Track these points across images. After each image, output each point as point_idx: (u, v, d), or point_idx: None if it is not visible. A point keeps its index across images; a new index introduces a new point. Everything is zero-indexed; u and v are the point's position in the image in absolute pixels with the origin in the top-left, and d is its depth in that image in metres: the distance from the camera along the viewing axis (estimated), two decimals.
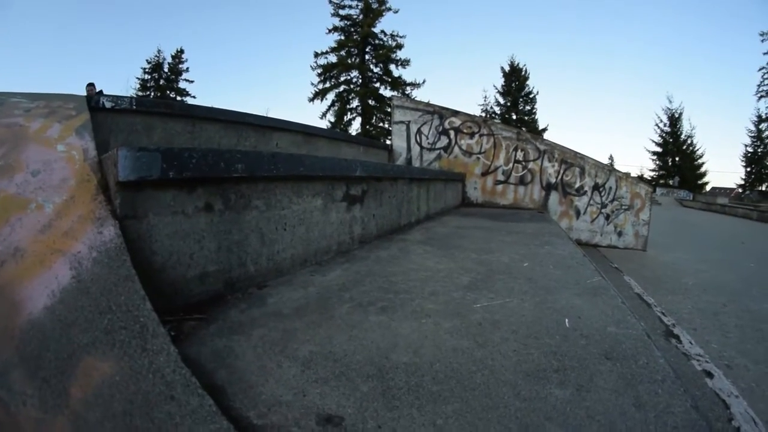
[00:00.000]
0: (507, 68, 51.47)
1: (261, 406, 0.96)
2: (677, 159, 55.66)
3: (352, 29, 40.82)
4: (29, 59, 70.76)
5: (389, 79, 39.83)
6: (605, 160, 76.64)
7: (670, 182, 53.86)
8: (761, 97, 50.15)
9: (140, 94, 43.20)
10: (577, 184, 6.55)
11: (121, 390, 0.89)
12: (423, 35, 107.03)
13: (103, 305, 1.09)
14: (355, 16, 40.75)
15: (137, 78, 44.03)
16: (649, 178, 57.43)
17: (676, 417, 0.98)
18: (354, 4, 40.96)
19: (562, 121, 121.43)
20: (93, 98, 2.73)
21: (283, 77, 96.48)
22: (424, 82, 40.27)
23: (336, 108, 39.18)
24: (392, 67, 40.27)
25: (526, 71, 51.30)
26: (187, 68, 45.51)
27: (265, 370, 1.11)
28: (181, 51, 46.20)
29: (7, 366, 0.96)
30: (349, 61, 39.82)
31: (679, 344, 2.99)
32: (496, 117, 49.52)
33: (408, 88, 39.47)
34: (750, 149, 52.45)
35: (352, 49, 40.39)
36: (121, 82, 59.71)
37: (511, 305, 1.75)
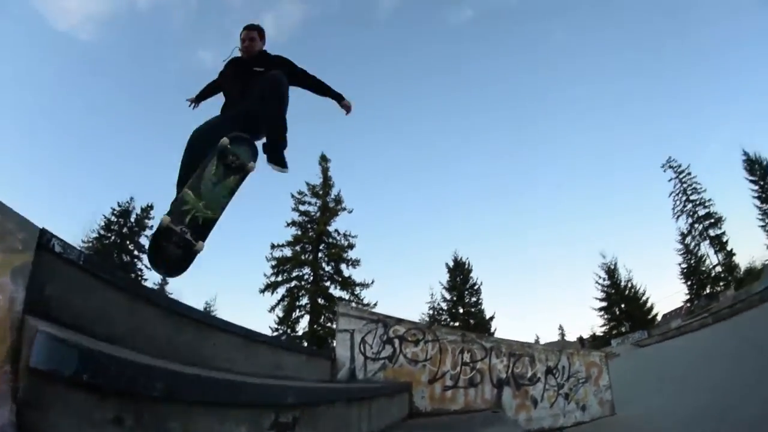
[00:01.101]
0: (451, 263, 55.67)
1: None
2: (623, 305, 60.86)
3: (309, 225, 43.52)
4: None
5: (339, 279, 41.49)
6: (556, 333, 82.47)
7: (623, 329, 57.17)
8: (678, 216, 63.77)
9: (102, 233, 44.83)
10: (529, 374, 6.56)
11: None
12: (372, 236, 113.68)
13: None
14: (312, 213, 43.89)
15: (104, 216, 45.70)
16: (602, 334, 62.24)
17: None
18: (313, 201, 44.67)
19: (507, 306, 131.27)
20: (44, 235, 2.55)
21: (237, 262, 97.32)
22: (372, 282, 42.29)
23: (286, 303, 39.50)
24: (343, 266, 42.24)
25: (469, 264, 55.64)
26: (152, 225, 46.10)
27: None
28: (151, 207, 48.15)
29: None
30: (303, 257, 41.51)
31: None
32: (444, 313, 52.34)
33: (357, 288, 41.19)
34: (684, 265, 62.12)
35: (307, 246, 42.58)
36: (88, 210, 59.72)
37: None
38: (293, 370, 5.22)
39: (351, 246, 43.16)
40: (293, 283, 40.94)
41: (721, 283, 57.48)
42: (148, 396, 1.64)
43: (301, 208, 44.12)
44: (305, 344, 32.88)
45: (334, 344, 7.16)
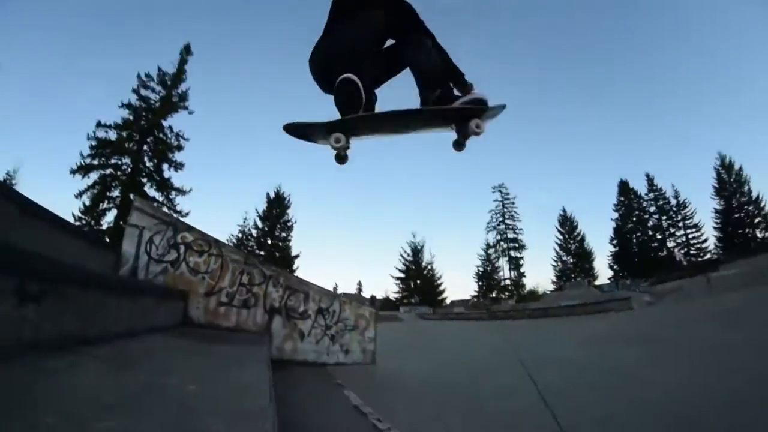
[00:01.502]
0: (272, 195, 57.09)
1: None
2: (419, 282, 71.79)
3: (144, 114, 39.76)
4: None
5: (158, 178, 38.90)
6: (354, 287, 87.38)
7: (413, 300, 65.35)
8: (489, 231, 79.72)
9: None
10: (301, 308, 6.85)
11: None
12: (202, 140, 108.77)
13: None
14: (152, 101, 40.40)
15: None
16: (394, 299, 71.39)
17: None
18: (158, 89, 40.99)
19: (314, 249, 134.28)
20: None
21: (53, 131, 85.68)
22: (190, 190, 40.48)
23: (96, 191, 35.94)
24: (165, 166, 39.66)
25: (289, 201, 57.55)
26: None
27: None
28: None
29: None
30: (127, 146, 37.89)
31: None
32: (252, 240, 53.49)
33: (174, 192, 39.18)
34: (481, 268, 77.00)
35: (134, 135, 38.92)
36: None
37: (139, 426, 1.66)
38: (72, 256, 4.82)
39: (180, 147, 40.79)
40: (108, 171, 37.41)
41: (506, 293, 72.81)
42: None
43: (143, 92, 40.42)
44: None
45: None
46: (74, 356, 2.69)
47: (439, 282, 72.37)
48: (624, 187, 71.91)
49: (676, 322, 8.15)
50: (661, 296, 20.52)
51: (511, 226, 79.07)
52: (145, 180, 38.70)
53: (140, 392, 2.14)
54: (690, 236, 67.58)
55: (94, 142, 37.18)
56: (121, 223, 34.43)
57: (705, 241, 66.41)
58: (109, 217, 36.47)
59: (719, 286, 18.33)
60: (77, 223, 32.19)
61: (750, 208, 62.99)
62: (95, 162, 37.04)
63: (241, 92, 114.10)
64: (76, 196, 35.85)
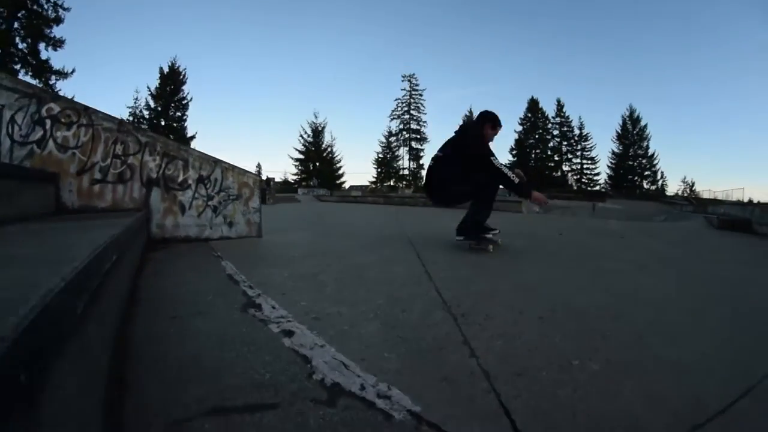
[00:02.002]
0: (166, 70, 53.66)
1: None
2: (318, 164, 73.83)
3: None
4: None
5: (34, 62, 34.61)
6: (254, 168, 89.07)
7: (311, 183, 67.05)
8: (393, 119, 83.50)
9: None
10: (181, 178, 6.51)
11: None
12: (85, 11, 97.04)
13: None
14: None
15: None
16: (293, 181, 73.65)
17: None
18: None
19: (212, 131, 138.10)
20: None
21: None
22: (73, 71, 37.09)
23: None
24: (42, 46, 35.22)
25: (185, 75, 54.32)
26: None
27: None
28: None
29: None
30: None
31: (257, 312, 2.89)
32: (144, 122, 50.91)
33: (53, 77, 35.46)
34: (381, 155, 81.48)
35: (2, 9, 33.27)
36: None
37: None
38: None
39: (59, 20, 35.79)
40: None
41: (404, 182, 78.21)
42: None
43: None
44: None
45: None
46: None
47: (338, 165, 74.73)
48: (533, 105, 78.21)
49: (559, 229, 9.12)
50: (549, 209, 22.66)
51: (415, 117, 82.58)
52: (18, 66, 34.34)
53: None
54: (585, 166, 77.45)
55: None
56: None
57: (597, 174, 77.92)
58: None
59: (601, 214, 21.46)
60: None
61: (644, 162, 74.19)
62: None
63: None
64: None
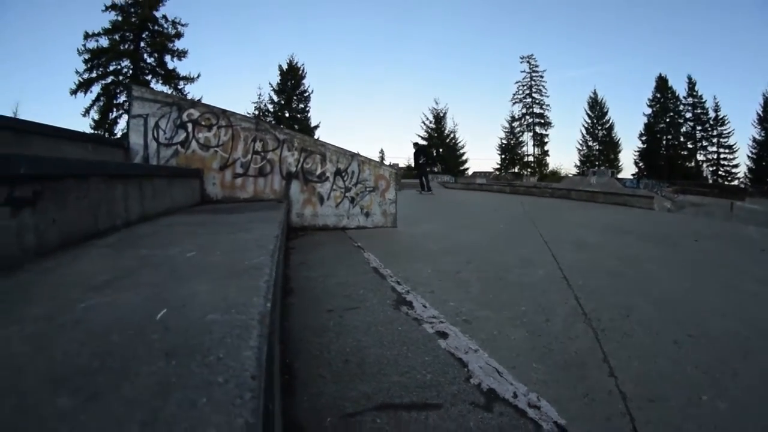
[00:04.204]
0: (285, 66, 56.51)
1: None
2: (441, 150, 72.33)
3: (132, 10, 39.40)
4: None
5: (162, 72, 39.74)
6: (377, 155, 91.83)
7: (435, 169, 66.36)
8: (515, 103, 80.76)
9: None
10: (319, 171, 7.11)
11: None
12: (203, 24, 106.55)
13: None
14: None
15: None
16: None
17: None
18: None
19: (334, 120, 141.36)
20: None
21: (43, 61, 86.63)
22: (198, 76, 41.51)
23: (102, 103, 37.18)
24: (168, 57, 40.35)
25: (303, 70, 57.06)
26: None
27: None
28: None
29: None
30: (122, 48, 38.20)
31: (410, 310, 3.07)
32: (269, 115, 54.05)
33: (181, 82, 40.34)
34: (504, 141, 79.41)
35: (128, 34, 39.00)
36: None
37: (121, 299, 1.70)
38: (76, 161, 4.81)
39: (179, 35, 40.88)
40: (110, 79, 38.15)
41: (529, 169, 75.31)
42: None
43: None
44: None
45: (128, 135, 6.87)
46: (78, 250, 2.79)
47: (462, 152, 73.82)
48: (662, 84, 70.15)
49: (694, 234, 8.10)
50: (681, 206, 20.67)
51: (537, 101, 79.25)
52: (149, 77, 39.74)
53: (135, 268, 2.25)
54: (721, 156, 67.45)
55: (87, 56, 37.63)
56: None
57: (736, 166, 67.20)
58: (122, 125, 37.94)
59: (741, 216, 19.01)
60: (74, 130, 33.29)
61: None
62: (93, 75, 37.81)
63: None
64: (84, 114, 37.39)
